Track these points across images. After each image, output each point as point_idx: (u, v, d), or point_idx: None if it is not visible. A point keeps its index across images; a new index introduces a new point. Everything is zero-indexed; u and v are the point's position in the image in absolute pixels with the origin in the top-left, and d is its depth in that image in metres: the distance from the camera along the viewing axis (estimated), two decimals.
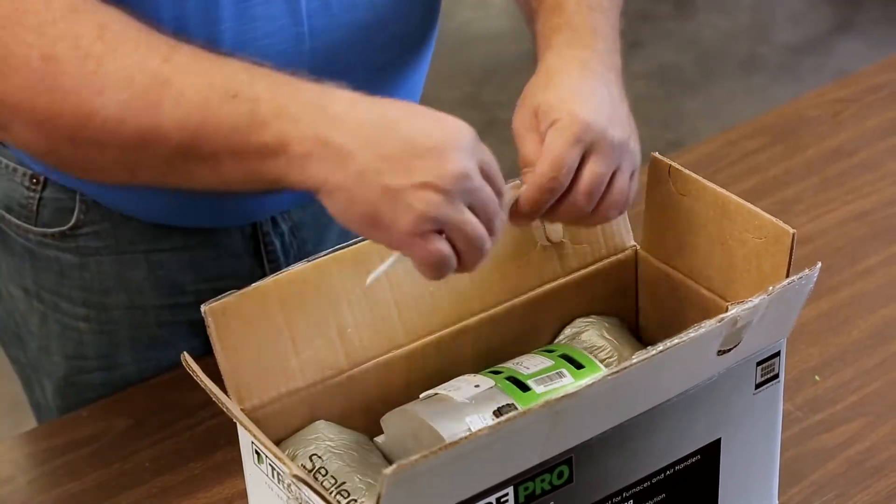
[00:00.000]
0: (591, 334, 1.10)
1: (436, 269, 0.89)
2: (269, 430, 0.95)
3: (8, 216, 1.24)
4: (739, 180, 1.52)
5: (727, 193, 1.04)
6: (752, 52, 3.63)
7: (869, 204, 1.48)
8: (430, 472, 0.81)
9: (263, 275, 1.01)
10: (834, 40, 3.65)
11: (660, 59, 3.59)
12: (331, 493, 0.95)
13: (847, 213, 1.47)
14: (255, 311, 0.97)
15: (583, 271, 1.11)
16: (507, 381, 1.00)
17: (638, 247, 1.13)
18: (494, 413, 0.97)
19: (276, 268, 1.26)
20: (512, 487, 0.88)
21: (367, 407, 1.03)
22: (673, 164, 1.07)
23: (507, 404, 0.98)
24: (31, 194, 1.22)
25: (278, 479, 0.91)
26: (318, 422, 1.01)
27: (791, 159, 1.56)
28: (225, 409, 0.92)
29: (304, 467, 0.97)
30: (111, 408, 1.25)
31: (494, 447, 0.84)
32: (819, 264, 0.95)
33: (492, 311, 1.07)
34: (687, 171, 1.06)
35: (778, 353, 1.00)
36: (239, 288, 0.96)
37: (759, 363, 0.99)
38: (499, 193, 0.91)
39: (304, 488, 0.86)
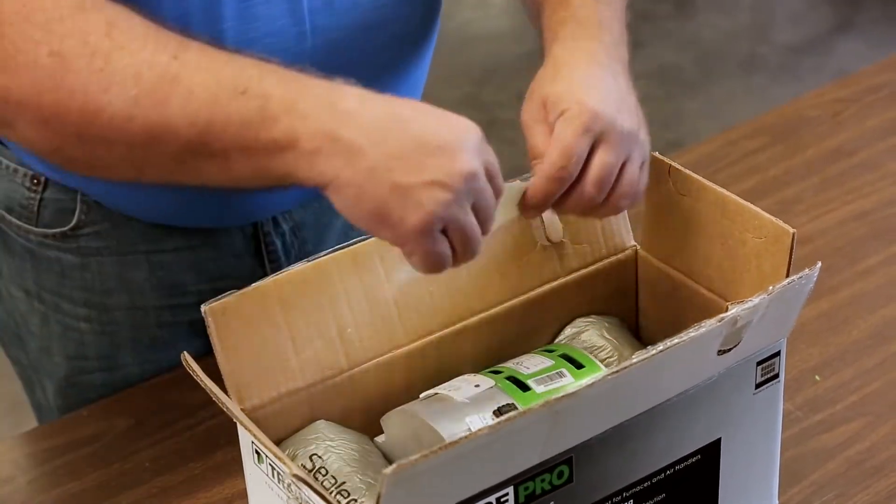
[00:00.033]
0: (591, 334, 1.10)
1: (434, 267, 0.90)
2: (269, 430, 0.95)
3: (9, 217, 1.24)
4: (739, 180, 1.52)
5: (727, 193, 1.04)
6: (752, 52, 3.63)
7: (869, 204, 1.48)
8: (430, 472, 0.81)
9: (264, 275, 1.01)
10: (834, 40, 3.65)
11: (660, 59, 3.59)
12: (331, 492, 0.95)
13: (847, 213, 1.47)
14: (255, 311, 0.97)
15: (583, 271, 1.11)
16: (508, 381, 1.00)
17: (638, 247, 1.13)
18: (494, 413, 0.97)
19: (277, 268, 1.26)
20: (512, 487, 0.88)
21: (367, 407, 1.03)
22: (673, 164, 1.07)
23: (508, 404, 0.98)
24: (32, 195, 1.21)
25: (278, 479, 0.91)
26: (318, 422, 1.01)
27: (791, 159, 1.56)
28: (225, 409, 0.92)
29: (304, 467, 0.97)
30: (111, 408, 1.25)
31: (494, 447, 0.84)
32: (819, 264, 0.95)
33: (492, 311, 1.07)
34: (687, 171, 1.06)
35: (778, 353, 1.00)
36: (240, 288, 0.96)
37: (759, 363, 0.99)
38: (497, 194, 0.91)
39: (304, 488, 0.86)
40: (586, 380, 0.86)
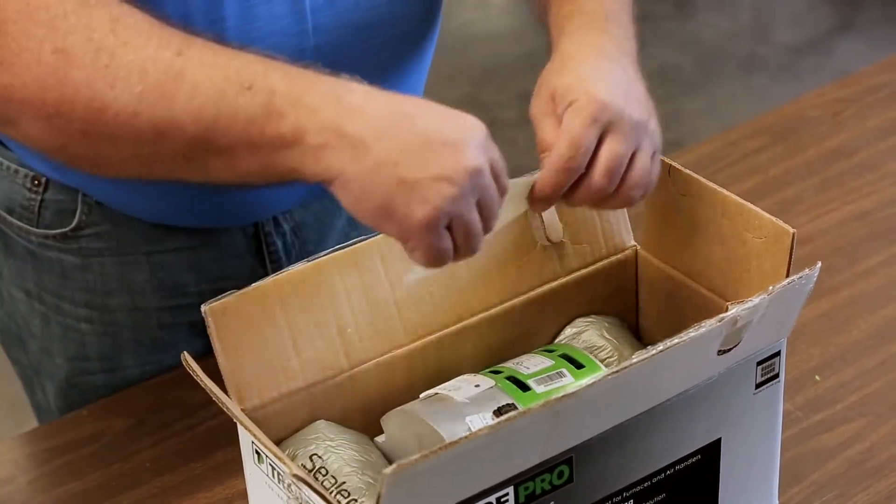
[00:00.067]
0: (591, 334, 1.10)
1: (436, 262, 0.90)
2: (270, 430, 0.95)
3: (9, 218, 1.24)
4: (739, 180, 1.52)
5: (727, 193, 1.04)
6: (752, 52, 3.63)
7: (869, 204, 1.48)
8: (430, 472, 0.81)
9: (265, 275, 1.01)
10: (834, 40, 3.66)
11: (660, 59, 3.59)
12: (331, 492, 0.95)
13: (847, 213, 1.47)
14: (255, 311, 0.97)
15: (583, 271, 1.11)
16: (508, 381, 1.00)
17: (638, 247, 1.13)
18: (494, 413, 0.97)
19: (277, 268, 1.26)
20: (512, 487, 0.88)
21: (367, 407, 1.03)
22: (673, 164, 1.07)
23: (508, 404, 0.98)
24: (33, 196, 1.21)
25: (278, 479, 0.91)
26: (318, 422, 1.01)
27: (791, 159, 1.56)
28: (225, 409, 0.92)
29: (305, 467, 0.97)
30: (111, 408, 1.25)
31: (494, 447, 0.84)
32: (819, 264, 0.95)
33: (492, 311, 1.07)
34: (687, 171, 1.06)
35: (778, 353, 1.00)
36: (240, 288, 0.96)
37: (759, 363, 0.99)
38: (502, 192, 0.91)
39: (305, 488, 0.86)
40: (586, 380, 0.86)
